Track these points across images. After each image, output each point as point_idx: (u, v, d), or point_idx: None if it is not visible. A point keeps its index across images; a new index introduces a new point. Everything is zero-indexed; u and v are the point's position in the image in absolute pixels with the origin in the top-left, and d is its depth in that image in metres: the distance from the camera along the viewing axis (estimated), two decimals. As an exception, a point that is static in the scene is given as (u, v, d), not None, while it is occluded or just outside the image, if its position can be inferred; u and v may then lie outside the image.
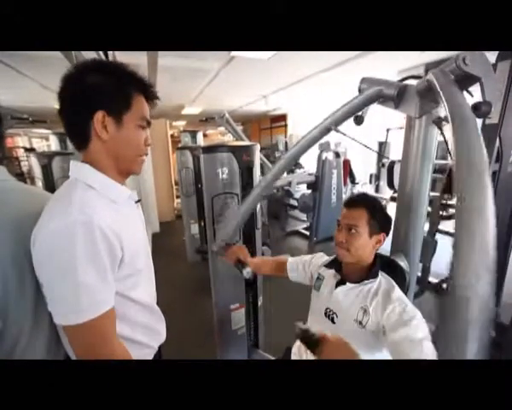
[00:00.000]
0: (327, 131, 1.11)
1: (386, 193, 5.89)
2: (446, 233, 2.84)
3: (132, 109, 0.57)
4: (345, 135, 1.20)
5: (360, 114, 1.12)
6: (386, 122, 5.31)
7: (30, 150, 5.84)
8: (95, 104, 0.53)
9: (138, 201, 0.68)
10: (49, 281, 0.50)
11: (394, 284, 0.84)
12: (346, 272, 0.89)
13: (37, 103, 4.39)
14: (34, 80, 3.34)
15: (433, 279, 2.66)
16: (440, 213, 1.75)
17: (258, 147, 1.48)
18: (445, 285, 2.60)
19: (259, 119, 8.68)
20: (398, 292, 0.80)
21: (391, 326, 0.71)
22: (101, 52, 1.64)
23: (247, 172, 1.41)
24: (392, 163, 1.14)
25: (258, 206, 1.55)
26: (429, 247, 1.60)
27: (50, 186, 2.49)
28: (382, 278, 0.85)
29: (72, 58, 1.79)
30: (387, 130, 5.29)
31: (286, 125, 7.78)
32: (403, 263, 1.10)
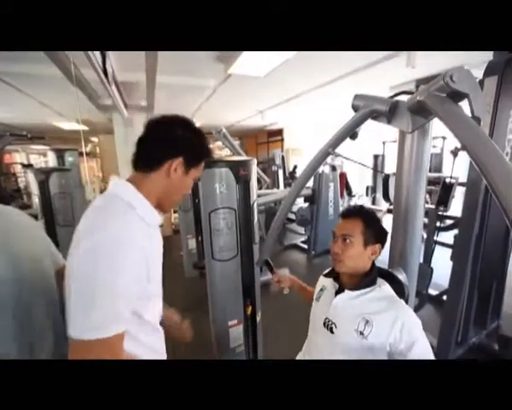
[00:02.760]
0: (327, 155, 1.16)
1: (382, 205, 5.94)
2: (444, 245, 2.84)
3: (198, 167, 0.70)
4: (345, 158, 1.24)
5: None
6: (381, 135, 5.42)
7: (27, 166, 5.87)
8: (181, 150, 0.64)
9: (161, 225, 0.72)
10: (75, 288, 0.49)
11: (393, 293, 0.84)
12: (343, 281, 0.89)
13: (36, 121, 4.44)
14: (34, 98, 3.39)
15: (433, 291, 2.64)
16: (438, 224, 1.75)
17: (254, 162, 1.50)
18: (445, 297, 2.57)
19: (257, 133, 8.82)
20: (401, 304, 0.79)
21: (402, 349, 0.72)
22: (98, 56, 1.67)
23: (243, 186, 1.42)
24: (387, 176, 1.15)
25: (256, 220, 1.55)
26: (425, 275, 1.57)
27: (47, 202, 2.49)
28: (384, 287, 0.84)
29: (71, 76, 1.84)
30: (383, 143, 5.39)
31: (282, 140, 7.90)
32: (401, 276, 1.09)
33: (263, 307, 1.72)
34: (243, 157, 1.56)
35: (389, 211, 3.26)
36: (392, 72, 2.88)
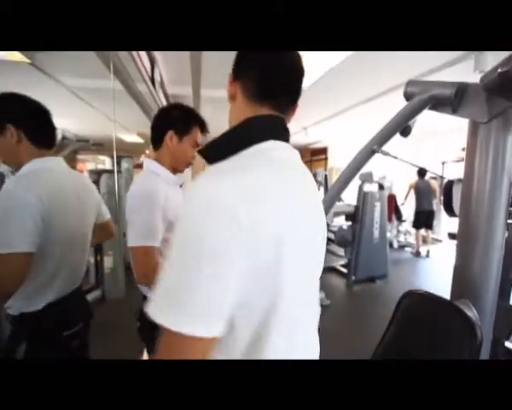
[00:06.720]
0: (371, 153, 0.98)
1: (439, 233, 5.18)
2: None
3: (190, 134, 0.93)
4: (394, 157, 1.04)
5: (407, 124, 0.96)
6: (440, 155, 4.83)
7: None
8: (170, 126, 0.91)
9: (181, 185, 1.02)
10: (129, 220, 0.83)
11: None
12: None
13: (102, 133, 5.05)
14: (103, 113, 3.86)
15: (510, 345, 2.07)
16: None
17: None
18: (530, 355, 1.99)
19: (300, 152, 8.64)
20: None
21: None
22: (148, 66, 1.78)
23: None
24: (450, 183, 0.89)
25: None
26: (508, 317, 1.09)
27: (97, 201, 2.69)
28: None
29: (130, 89, 2.00)
30: (443, 163, 4.78)
31: (326, 159, 7.63)
32: (470, 313, 0.83)
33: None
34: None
35: (452, 237, 2.73)
36: (452, 76, 2.53)
